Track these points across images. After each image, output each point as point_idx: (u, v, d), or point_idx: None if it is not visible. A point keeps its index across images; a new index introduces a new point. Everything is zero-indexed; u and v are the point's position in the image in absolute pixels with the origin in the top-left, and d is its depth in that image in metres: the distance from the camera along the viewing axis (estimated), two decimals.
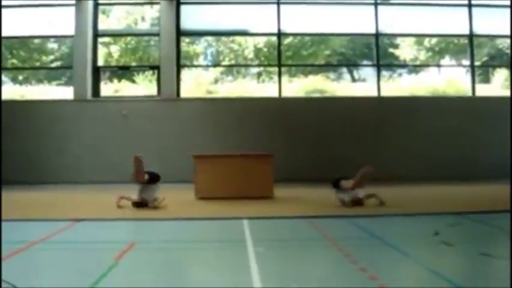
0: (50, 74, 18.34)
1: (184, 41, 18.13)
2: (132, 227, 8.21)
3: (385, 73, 18.45)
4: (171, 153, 16.00)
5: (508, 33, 16.64)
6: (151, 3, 17.99)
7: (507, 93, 17.05)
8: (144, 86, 17.73)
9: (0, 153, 16.16)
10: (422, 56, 18.65)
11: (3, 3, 16.50)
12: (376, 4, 17.70)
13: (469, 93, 17.85)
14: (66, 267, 5.79)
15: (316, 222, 8.29)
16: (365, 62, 18.93)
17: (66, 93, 17.28)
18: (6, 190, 13.81)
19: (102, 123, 16.85)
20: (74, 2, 17.00)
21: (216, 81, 18.56)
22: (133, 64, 18.17)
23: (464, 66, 18.26)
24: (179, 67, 17.52)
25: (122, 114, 16.77)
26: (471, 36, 17.86)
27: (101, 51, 17.87)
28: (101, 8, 17.84)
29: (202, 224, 8.49)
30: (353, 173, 10.35)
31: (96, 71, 17.42)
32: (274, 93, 17.52)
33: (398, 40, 18.71)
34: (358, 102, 17.30)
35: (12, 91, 17.66)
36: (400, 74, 18.88)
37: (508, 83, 17.68)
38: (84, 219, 8.72)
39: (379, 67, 17.87)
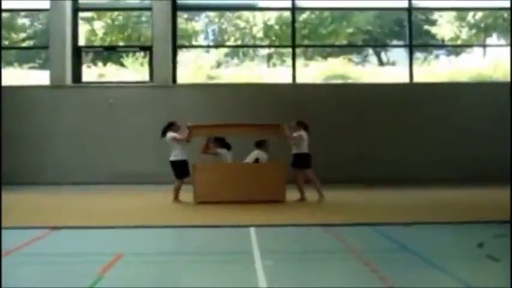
0: (21, 54, 18.42)
1: (182, 16, 18.15)
2: (119, 236, 8.23)
3: (419, 55, 18.41)
4: (165, 149, 15.99)
5: None
6: None
7: None
8: (133, 70, 17.78)
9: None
10: (465, 34, 18.55)
11: None
12: None
13: None
14: (40, 284, 5.78)
15: (337, 231, 8.28)
16: (395, 42, 18.89)
17: (41, 78, 17.37)
18: None
19: (85, 114, 16.90)
20: None
21: (218, 64, 18.59)
22: (121, 44, 18.21)
23: None
24: (175, 48, 17.54)
25: (108, 103, 16.80)
26: None
27: (83, 29, 17.93)
28: None
29: (201, 233, 8.47)
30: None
31: (77, 52, 17.47)
32: (287, 79, 17.51)
33: (436, 15, 18.62)
34: (387, 90, 17.24)
35: None
36: (437, 56, 18.84)
37: None
38: (63, 227, 8.73)
39: (411, 48, 17.79)
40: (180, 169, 11.82)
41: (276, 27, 18.47)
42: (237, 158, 12.47)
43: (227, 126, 12.50)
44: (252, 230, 8.39)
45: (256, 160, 12.13)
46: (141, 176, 16.08)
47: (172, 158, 11.93)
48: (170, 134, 11.91)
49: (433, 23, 18.60)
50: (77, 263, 6.61)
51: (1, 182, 13.82)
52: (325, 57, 18.51)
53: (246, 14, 18.49)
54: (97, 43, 18.19)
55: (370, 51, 19.03)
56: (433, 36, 18.54)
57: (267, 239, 7.91)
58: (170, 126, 12.07)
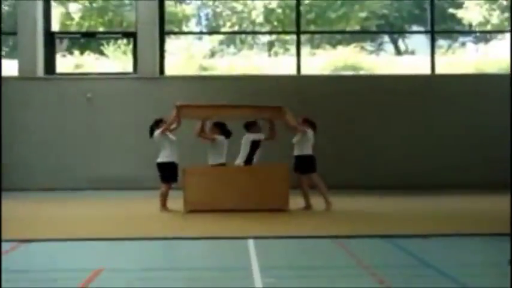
0: None
1: None
2: (98, 249, 8.24)
3: (442, 42, 18.42)
4: (152, 149, 16.07)
5: None
6: None
7: None
8: (115, 59, 17.80)
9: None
10: (495, 18, 18.56)
11: None
12: None
13: None
14: None
15: (347, 244, 8.32)
16: (415, 28, 18.91)
17: (8, 68, 17.33)
18: None
19: (59, 110, 16.92)
20: None
21: (212, 53, 18.61)
22: (101, 30, 18.22)
23: None
24: (163, 34, 17.56)
25: (85, 97, 16.83)
26: None
27: (56, 12, 17.93)
28: None
29: (192, 246, 8.52)
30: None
31: (50, 39, 17.48)
32: (290, 70, 17.53)
33: None
34: (405, 82, 17.28)
35: None
36: (463, 44, 18.87)
37: None
38: (34, 239, 8.76)
39: (433, 34, 17.81)
40: (168, 172, 11.84)
41: (278, 10, 18.50)
42: (237, 145, 12.36)
43: (221, 108, 12.53)
44: (251, 242, 8.41)
45: (254, 142, 12.10)
46: (124, 181, 16.09)
47: (160, 160, 11.95)
48: (157, 131, 11.94)
49: (458, 5, 18.59)
50: (49, 280, 6.61)
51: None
52: (334, 45, 18.54)
53: None
54: (73, 28, 18.21)
55: (386, 38, 19.07)
56: (459, 21, 18.54)
57: (268, 252, 7.95)
58: (158, 124, 12.10)
